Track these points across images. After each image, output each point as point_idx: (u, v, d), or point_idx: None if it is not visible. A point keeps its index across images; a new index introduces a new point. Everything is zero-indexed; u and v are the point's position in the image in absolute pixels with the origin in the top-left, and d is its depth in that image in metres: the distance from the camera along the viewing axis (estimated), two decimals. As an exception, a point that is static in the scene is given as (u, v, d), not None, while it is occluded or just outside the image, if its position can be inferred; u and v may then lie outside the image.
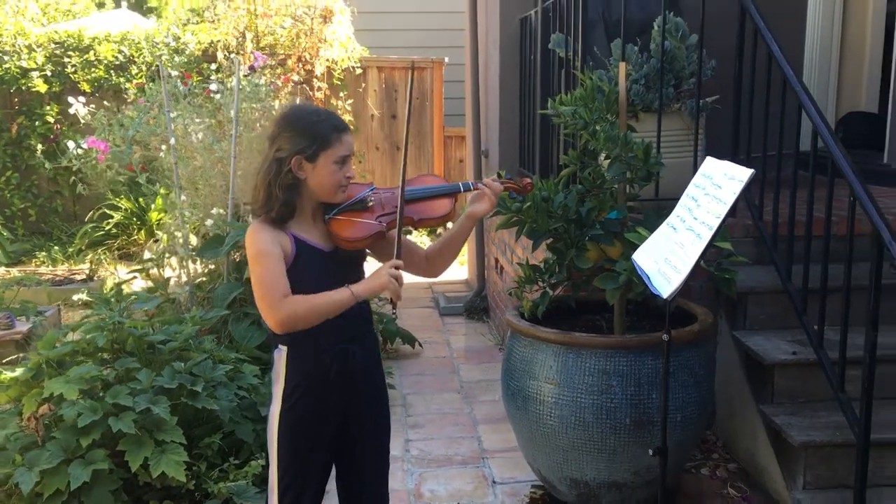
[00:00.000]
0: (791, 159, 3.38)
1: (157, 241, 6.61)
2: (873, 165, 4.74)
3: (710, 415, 3.57)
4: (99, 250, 7.66)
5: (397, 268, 2.07)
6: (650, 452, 2.30)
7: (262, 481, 3.26)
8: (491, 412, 4.25)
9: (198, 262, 4.76)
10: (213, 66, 7.80)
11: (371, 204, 2.21)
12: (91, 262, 7.07)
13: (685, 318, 3.21)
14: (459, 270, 7.80)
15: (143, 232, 7.89)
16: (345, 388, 2.21)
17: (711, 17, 3.65)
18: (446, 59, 9.05)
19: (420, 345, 5.34)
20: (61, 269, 7.14)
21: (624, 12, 3.70)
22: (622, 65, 3.18)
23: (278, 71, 7.98)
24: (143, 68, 8.19)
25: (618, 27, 3.77)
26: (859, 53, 5.52)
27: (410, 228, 2.32)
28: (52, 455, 2.92)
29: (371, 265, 2.21)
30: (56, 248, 7.85)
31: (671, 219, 2.33)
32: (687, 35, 3.77)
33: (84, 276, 6.70)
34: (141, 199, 7.82)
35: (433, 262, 2.35)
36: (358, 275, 2.24)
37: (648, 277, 2.21)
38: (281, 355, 2.20)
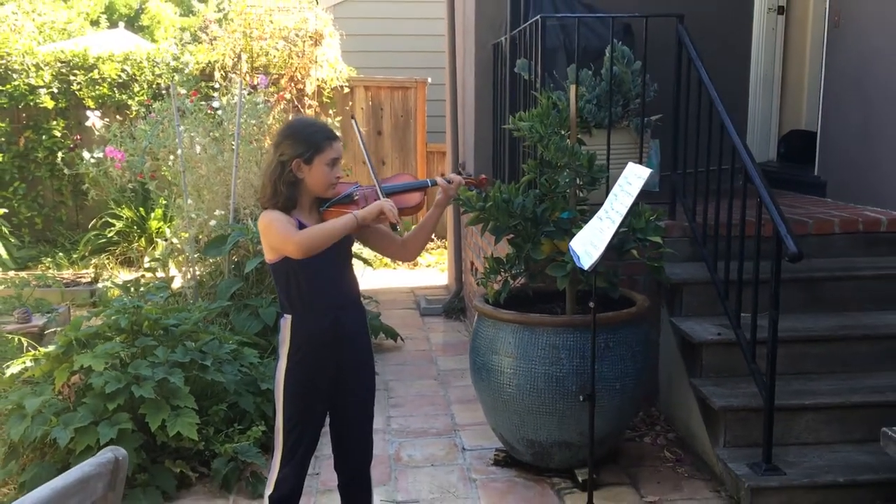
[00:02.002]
0: (738, 172, 3.91)
1: (156, 247, 7.11)
2: (806, 178, 5.31)
3: (652, 387, 4.10)
4: (101, 256, 8.15)
5: (389, 201, 2.57)
6: (580, 398, 2.82)
7: (262, 444, 3.79)
8: (463, 395, 4.76)
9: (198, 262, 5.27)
10: (214, 85, 8.33)
11: (356, 198, 2.73)
12: (95, 267, 7.56)
13: (628, 303, 3.74)
14: (440, 276, 8.34)
15: (143, 239, 8.38)
16: (338, 348, 2.71)
17: (658, 45, 4.22)
18: (429, 80, 9.63)
19: (402, 339, 5.85)
20: (67, 274, 7.62)
21: (578, 41, 4.26)
22: (573, 87, 3.73)
23: (271, 90, 8.52)
24: (145, 86, 8.72)
25: (576, 53, 4.33)
26: (798, 78, 6.12)
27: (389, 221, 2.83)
28: (84, 417, 3.41)
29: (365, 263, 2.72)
30: (61, 254, 8.33)
31: (599, 213, 2.87)
32: (633, 61, 4.34)
33: (89, 280, 7.19)
34: (141, 209, 8.32)
35: (409, 245, 2.87)
36: (347, 252, 2.76)
37: (577, 257, 2.76)
38: (286, 322, 2.70)
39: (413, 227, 2.89)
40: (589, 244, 2.70)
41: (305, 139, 2.64)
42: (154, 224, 8.38)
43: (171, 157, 5.04)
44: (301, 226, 2.63)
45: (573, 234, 3.51)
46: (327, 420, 2.82)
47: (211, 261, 5.30)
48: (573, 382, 3.44)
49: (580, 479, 3.55)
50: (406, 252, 2.88)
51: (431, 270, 8.60)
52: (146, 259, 7.37)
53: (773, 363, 3.26)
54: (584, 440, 3.53)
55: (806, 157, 5.63)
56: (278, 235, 2.56)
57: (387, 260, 8.79)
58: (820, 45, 5.64)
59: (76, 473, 1.34)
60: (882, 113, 4.51)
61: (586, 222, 3.53)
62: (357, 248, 3.19)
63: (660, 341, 4.22)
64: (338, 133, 2.76)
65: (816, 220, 4.34)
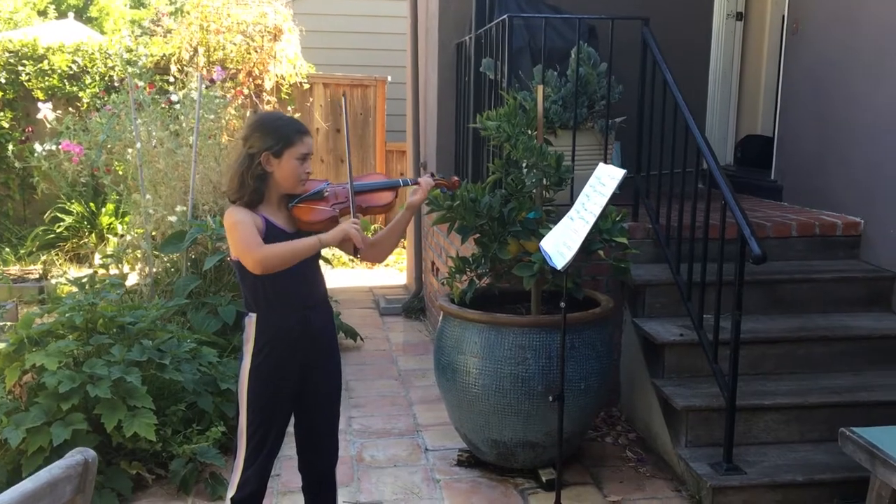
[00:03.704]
0: (701, 175, 3.95)
1: (107, 243, 6.94)
2: (764, 182, 5.40)
3: (613, 388, 4.12)
4: (50, 252, 7.93)
5: (355, 222, 2.54)
6: (550, 399, 2.81)
7: (221, 445, 3.71)
8: (425, 395, 4.73)
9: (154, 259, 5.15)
10: (169, 79, 8.16)
11: (326, 195, 2.68)
12: (44, 263, 7.35)
13: (593, 304, 3.75)
14: (399, 276, 8.30)
15: (93, 235, 8.18)
16: (305, 348, 2.65)
17: (622, 46, 4.24)
18: (389, 78, 9.58)
19: (361, 339, 5.80)
20: (14, 270, 7.40)
21: (544, 41, 4.26)
22: (539, 87, 3.72)
23: (228, 84, 8.39)
24: (97, 78, 8.51)
25: (542, 53, 4.33)
26: (756, 84, 6.23)
27: (360, 216, 2.80)
28: (36, 417, 3.30)
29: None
30: (7, 249, 8.08)
31: (570, 213, 2.87)
32: (598, 63, 4.36)
33: (37, 276, 6.98)
34: (92, 204, 8.12)
35: (378, 246, 2.83)
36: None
37: (549, 257, 2.75)
38: (251, 320, 2.64)
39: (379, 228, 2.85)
40: (561, 244, 2.70)
41: (275, 132, 2.59)
42: (105, 220, 8.18)
43: (130, 150, 4.91)
44: (268, 223, 2.57)
45: (540, 235, 3.52)
46: (291, 420, 2.78)
47: (166, 258, 5.19)
48: (539, 383, 3.43)
49: (544, 479, 3.55)
50: (376, 253, 2.84)
51: (390, 270, 8.55)
52: (98, 256, 7.18)
53: (736, 364, 3.30)
54: (549, 440, 3.54)
55: (762, 161, 5.72)
56: (240, 243, 2.50)
57: (345, 258, 8.72)
58: (776, 51, 5.75)
59: (45, 476, 1.28)
60: (838, 119, 4.61)
61: (553, 222, 3.54)
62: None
63: (622, 342, 4.24)
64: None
65: (774, 224, 4.41)
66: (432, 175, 2.90)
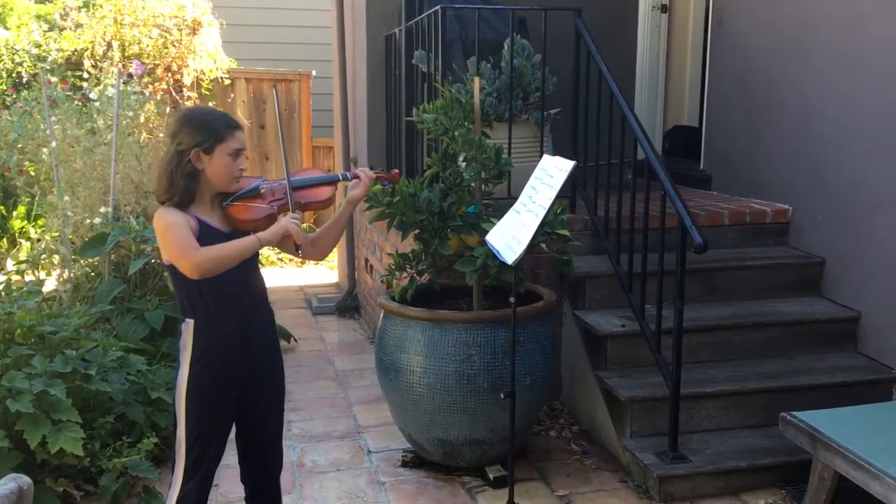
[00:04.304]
0: (633, 165, 3.96)
1: (20, 249, 6.59)
2: (692, 172, 5.48)
3: (554, 381, 4.10)
4: (-43, 258, 7.48)
5: (294, 217, 2.45)
6: (501, 395, 2.76)
7: (154, 457, 3.54)
8: (364, 395, 4.63)
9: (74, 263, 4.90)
10: (83, 74, 7.80)
11: (263, 191, 2.56)
12: (-50, 270, 6.91)
13: (535, 298, 3.72)
14: (330, 274, 8.15)
15: (4, 240, 7.76)
16: (246, 353, 2.53)
17: (555, 39, 4.22)
18: (314, 72, 9.39)
19: (295, 340, 5.66)
20: (-84, 278, 6.94)
21: (477, 33, 4.21)
22: (476, 79, 3.66)
23: (145, 80, 8.07)
24: (4, 75, 8.07)
25: (474, 46, 4.28)
26: (681, 75, 6.32)
27: (300, 212, 2.69)
28: (-49, 436, 3.07)
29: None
30: None
31: (516, 206, 2.82)
32: (532, 54, 4.33)
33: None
34: (2, 207, 7.69)
35: (319, 243, 2.72)
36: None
37: (498, 251, 2.69)
38: (188, 327, 2.49)
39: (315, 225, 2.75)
40: (510, 238, 2.64)
41: (205, 127, 2.46)
42: (17, 223, 7.77)
43: (44, 150, 4.65)
44: (202, 224, 2.44)
45: (481, 229, 3.46)
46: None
47: (85, 262, 4.94)
48: (485, 379, 3.38)
49: (491, 476, 3.51)
50: (316, 251, 2.73)
51: (321, 268, 8.39)
52: (10, 261, 6.80)
53: (679, 353, 3.31)
54: (495, 437, 3.49)
55: (690, 151, 5.81)
56: (174, 247, 2.37)
57: (273, 257, 8.52)
58: (701, 43, 5.84)
59: (-26, 510, 1.15)
60: (763, 108, 4.70)
61: (493, 216, 3.48)
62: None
63: (562, 334, 4.23)
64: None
65: (708, 213, 4.47)
66: (372, 168, 2.81)
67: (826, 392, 3.66)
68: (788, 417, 3.18)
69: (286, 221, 2.46)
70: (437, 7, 4.19)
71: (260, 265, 2.67)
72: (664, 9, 6.27)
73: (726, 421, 3.67)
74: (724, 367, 3.85)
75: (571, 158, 4.21)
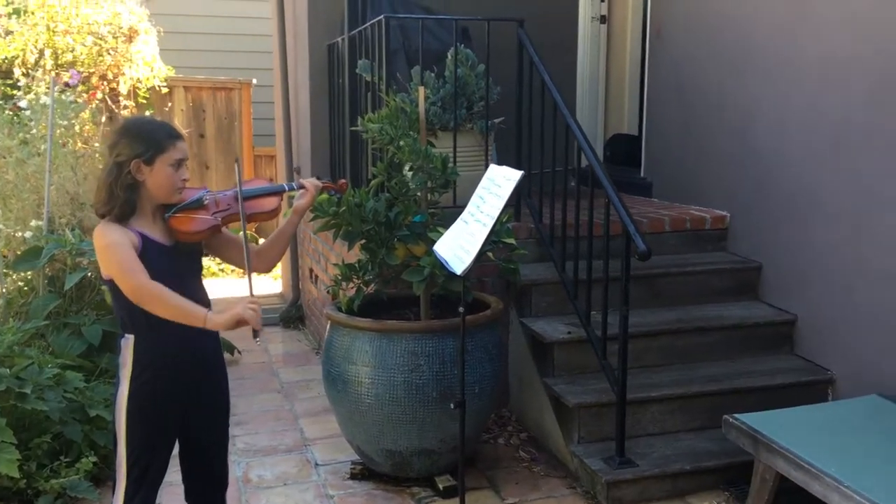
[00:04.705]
0: (575, 173, 4.00)
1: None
2: (633, 179, 5.57)
3: (502, 388, 4.11)
4: None
5: (252, 302, 2.29)
6: (451, 405, 2.75)
7: (93, 477, 3.43)
8: (310, 407, 4.57)
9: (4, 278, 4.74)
10: (13, 83, 7.55)
11: (206, 203, 2.51)
12: None
13: (482, 307, 3.72)
14: (273, 284, 8.04)
15: (-69, 254, 7.46)
16: (190, 368, 2.47)
17: (498, 49, 4.24)
18: (254, 81, 9.28)
19: (239, 352, 5.56)
20: None
21: (421, 43, 4.21)
22: (421, 89, 3.66)
23: (80, 88, 7.86)
24: (-74, 83, 7.77)
25: (417, 55, 4.28)
26: (621, 84, 6.43)
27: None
28: None
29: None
30: None
31: (463, 216, 2.82)
32: (476, 64, 4.35)
33: None
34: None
35: (265, 255, 2.68)
36: (197, 265, 2.54)
37: (446, 262, 2.69)
38: (128, 343, 2.42)
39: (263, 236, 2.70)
40: (458, 248, 2.64)
41: (145, 137, 2.40)
42: (-56, 237, 7.48)
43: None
44: (144, 238, 2.37)
45: (428, 238, 3.45)
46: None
47: (16, 277, 4.79)
48: (434, 389, 3.37)
49: (441, 486, 3.49)
50: (262, 262, 2.70)
51: (263, 278, 8.26)
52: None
53: (625, 359, 3.35)
54: (445, 447, 3.48)
55: (630, 159, 5.89)
56: (115, 266, 2.31)
57: (214, 268, 8.37)
58: (639, 53, 5.95)
59: None
60: (701, 116, 4.80)
61: (439, 225, 3.48)
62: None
63: (509, 342, 4.24)
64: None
65: (650, 220, 4.54)
66: (318, 178, 2.78)
67: (766, 394, 3.75)
68: (731, 420, 3.25)
69: (242, 308, 2.29)
70: (381, 17, 4.18)
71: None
72: (603, 19, 6.38)
73: (671, 424, 3.73)
74: (669, 372, 3.92)
75: (515, 166, 4.29)
